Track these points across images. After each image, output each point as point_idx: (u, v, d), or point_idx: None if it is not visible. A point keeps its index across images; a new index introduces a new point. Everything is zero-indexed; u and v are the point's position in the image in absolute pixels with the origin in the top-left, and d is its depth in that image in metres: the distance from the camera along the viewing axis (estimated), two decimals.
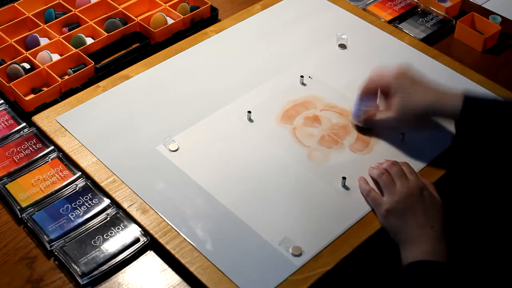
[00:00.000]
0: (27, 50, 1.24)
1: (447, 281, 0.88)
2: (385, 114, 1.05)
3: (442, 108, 0.99)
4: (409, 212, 0.94)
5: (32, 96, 1.17)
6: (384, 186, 0.98)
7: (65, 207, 0.99)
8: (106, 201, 1.00)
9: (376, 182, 1.01)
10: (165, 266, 0.94)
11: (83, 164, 1.04)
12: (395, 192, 0.96)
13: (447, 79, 1.21)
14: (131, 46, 1.28)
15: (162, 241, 0.94)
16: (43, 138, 1.09)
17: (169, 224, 0.96)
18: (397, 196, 0.96)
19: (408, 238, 0.93)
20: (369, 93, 1.07)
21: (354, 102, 1.10)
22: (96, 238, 0.95)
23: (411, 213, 0.94)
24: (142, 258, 0.95)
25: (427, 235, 0.92)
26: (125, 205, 0.99)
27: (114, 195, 1.00)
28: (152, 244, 0.96)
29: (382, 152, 1.08)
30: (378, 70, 1.07)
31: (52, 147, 1.07)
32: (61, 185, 1.02)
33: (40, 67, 1.20)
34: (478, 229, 1.15)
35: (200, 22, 1.34)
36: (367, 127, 1.09)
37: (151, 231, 0.95)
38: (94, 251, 0.94)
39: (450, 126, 1.10)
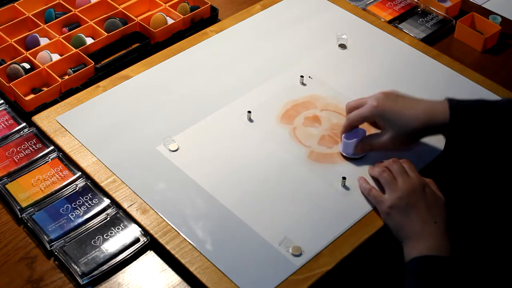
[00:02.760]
0: (27, 50, 1.24)
1: (451, 276, 0.88)
2: (378, 139, 1.03)
3: (435, 120, 0.98)
4: (412, 208, 0.94)
5: (32, 96, 1.17)
6: (386, 183, 0.98)
7: (65, 207, 0.99)
8: (106, 201, 1.00)
9: (377, 181, 1.01)
10: (165, 266, 0.94)
11: (83, 164, 1.04)
12: (397, 189, 0.96)
13: (447, 79, 1.21)
14: (131, 46, 1.28)
15: (162, 241, 0.94)
16: (43, 138, 1.09)
17: (169, 224, 0.96)
18: (400, 192, 0.95)
19: (412, 234, 0.93)
20: (353, 126, 1.05)
21: (341, 137, 1.06)
22: (96, 238, 0.95)
23: (414, 209, 0.94)
24: (142, 258, 0.95)
25: (431, 230, 0.92)
26: (125, 205, 0.99)
27: (114, 195, 1.00)
28: (152, 244, 0.96)
29: (382, 151, 1.07)
30: (353, 101, 1.05)
31: (52, 147, 1.07)
32: (61, 185, 1.02)
33: (40, 67, 1.20)
34: (479, 225, 1.15)
35: (200, 22, 1.34)
36: (360, 157, 1.06)
37: (151, 231, 0.95)
38: (94, 251, 0.94)
39: None
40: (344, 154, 1.06)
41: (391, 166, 0.99)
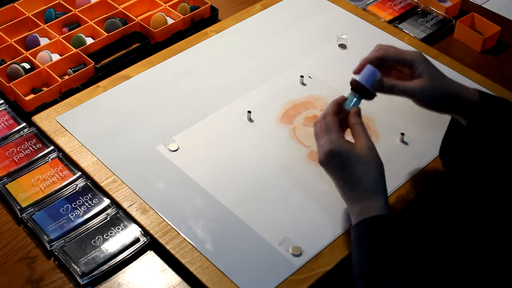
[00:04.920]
0: (27, 50, 1.24)
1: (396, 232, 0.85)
2: (405, 83, 0.94)
3: (465, 96, 0.94)
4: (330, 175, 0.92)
5: (32, 96, 1.17)
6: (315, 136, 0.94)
7: (65, 207, 0.99)
8: (106, 201, 1.00)
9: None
10: (165, 266, 0.94)
11: (83, 164, 1.04)
12: (319, 149, 0.92)
13: None
14: (131, 46, 1.28)
15: (162, 241, 0.94)
16: (43, 138, 1.09)
17: (169, 224, 0.96)
18: (319, 155, 0.92)
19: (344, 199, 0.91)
20: (381, 59, 0.96)
21: (362, 66, 0.96)
22: (96, 238, 0.95)
23: (332, 177, 0.92)
24: (142, 258, 0.95)
25: (353, 197, 0.89)
26: (125, 205, 0.99)
27: (114, 195, 1.00)
28: (152, 244, 0.96)
29: (381, 151, 1.07)
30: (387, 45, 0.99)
31: (52, 147, 1.07)
32: (61, 185, 1.02)
33: (40, 67, 1.20)
34: (479, 228, 1.15)
35: (200, 22, 1.34)
36: (371, 97, 0.95)
37: (151, 231, 0.96)
38: (94, 251, 0.94)
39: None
40: (362, 83, 0.94)
41: (324, 118, 0.93)
